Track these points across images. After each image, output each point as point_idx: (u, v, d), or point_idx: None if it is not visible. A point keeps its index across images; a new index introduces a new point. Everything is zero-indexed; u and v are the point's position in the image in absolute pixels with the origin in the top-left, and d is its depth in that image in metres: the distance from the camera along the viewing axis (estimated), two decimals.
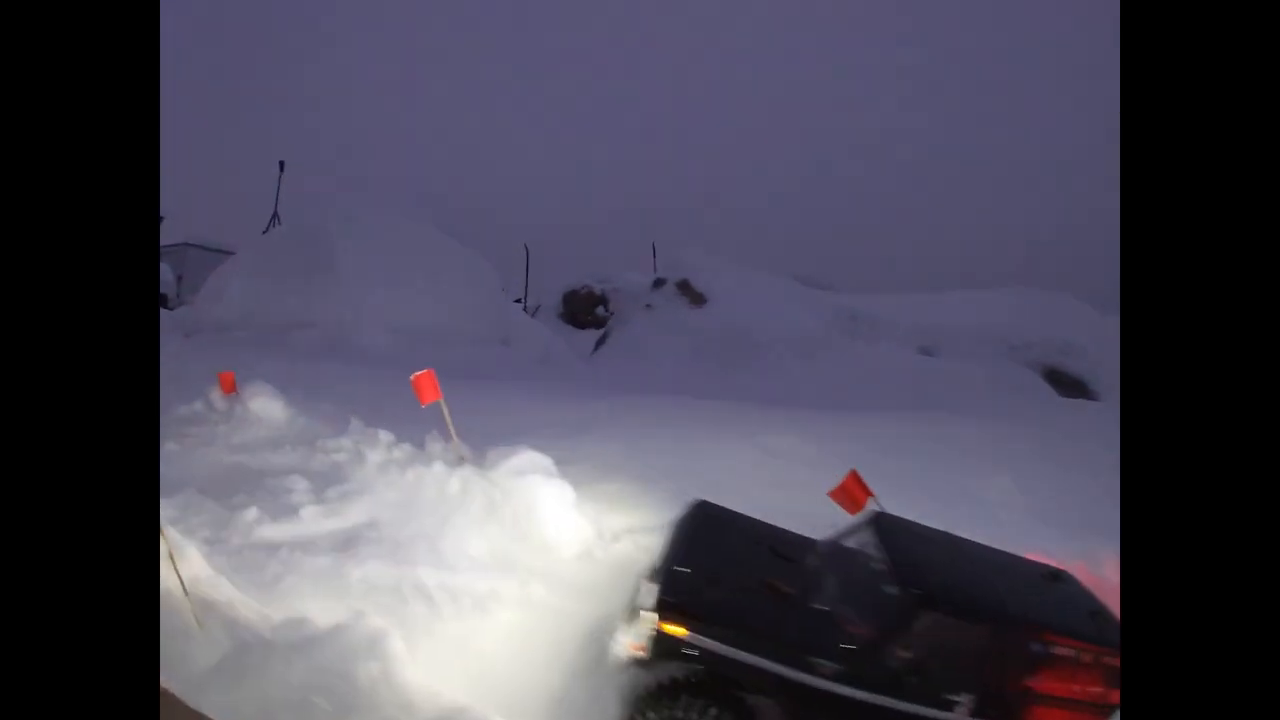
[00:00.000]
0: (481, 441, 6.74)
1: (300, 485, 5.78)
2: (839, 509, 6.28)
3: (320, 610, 4.23)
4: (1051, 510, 7.22)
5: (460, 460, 6.39)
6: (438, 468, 6.17)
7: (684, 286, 17.13)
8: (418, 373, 6.43)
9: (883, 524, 4.74)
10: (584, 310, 20.11)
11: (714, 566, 4.20)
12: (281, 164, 23.63)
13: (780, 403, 13.18)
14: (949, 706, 3.62)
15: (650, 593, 3.81)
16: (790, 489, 7.25)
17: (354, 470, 6.22)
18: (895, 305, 18.03)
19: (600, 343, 17.68)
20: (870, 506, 6.04)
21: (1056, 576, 4.45)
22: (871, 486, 6.32)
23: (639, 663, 3.74)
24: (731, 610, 3.79)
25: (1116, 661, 3.60)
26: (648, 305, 17.13)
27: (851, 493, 6.01)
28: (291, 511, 5.34)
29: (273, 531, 5.08)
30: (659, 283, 17.61)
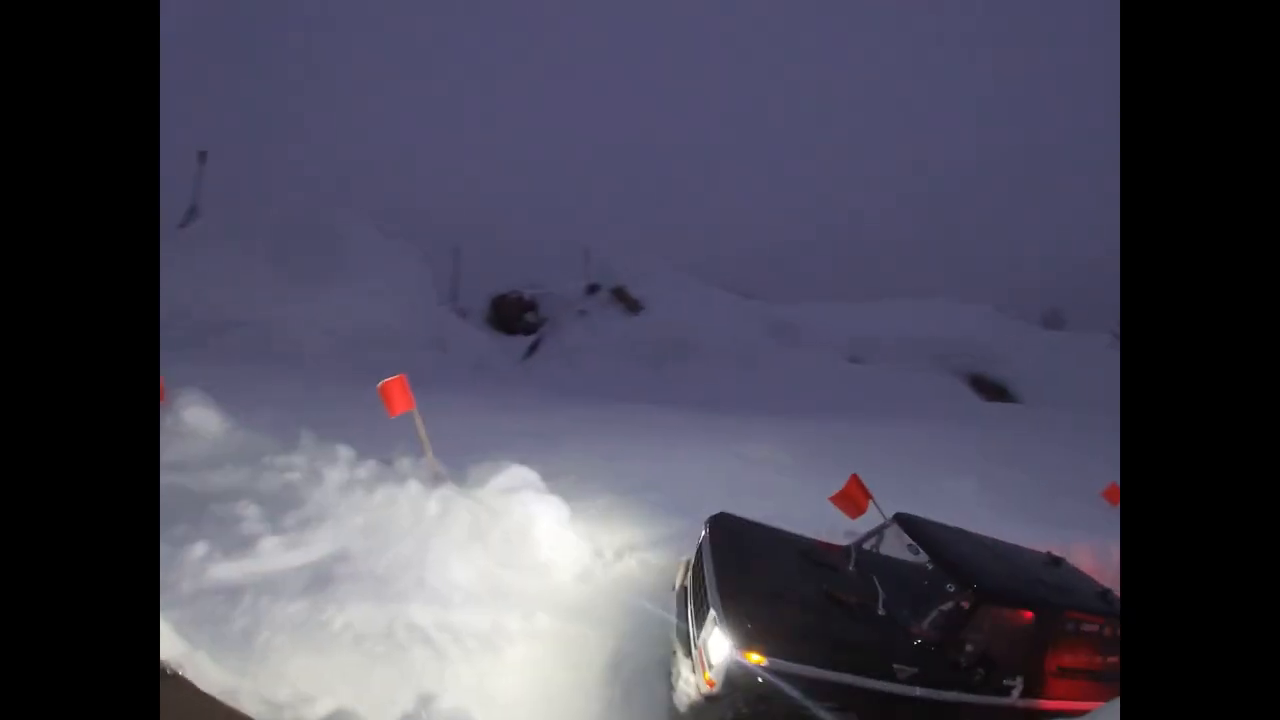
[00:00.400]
0: (451, 456, 6.14)
1: (251, 512, 4.92)
2: (832, 513, 6.33)
3: (304, 670, 3.58)
4: (1011, 505, 7.60)
5: (436, 478, 5.75)
6: (412, 487, 5.50)
7: (619, 293, 16.94)
8: (387, 379, 5.74)
9: (911, 524, 4.80)
10: (513, 316, 19.31)
11: (767, 584, 4.00)
12: (202, 154, 20.70)
13: (721, 409, 13.31)
14: (1007, 692, 3.75)
15: (722, 621, 3.49)
16: (778, 496, 7.24)
17: (311, 492, 5.41)
18: (824, 314, 18.81)
19: (533, 349, 17.10)
20: (870, 510, 6.11)
21: (1057, 562, 4.74)
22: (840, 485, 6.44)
23: (709, 698, 3.40)
24: (806, 628, 3.63)
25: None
26: (582, 311, 16.77)
27: (853, 497, 6.07)
28: (246, 545, 4.51)
29: (228, 571, 4.26)
30: (593, 289, 17.31)
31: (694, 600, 4.05)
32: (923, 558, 4.50)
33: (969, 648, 3.73)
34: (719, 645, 3.41)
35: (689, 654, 3.75)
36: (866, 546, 5.05)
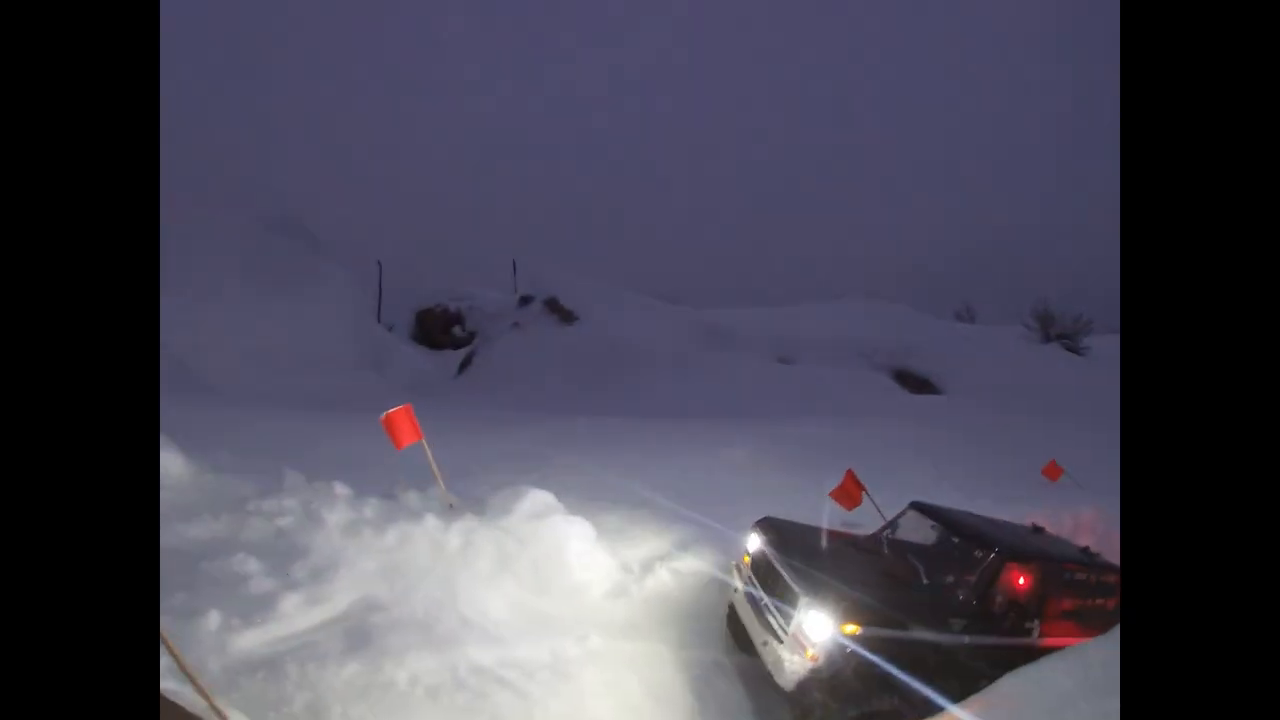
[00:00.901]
0: (451, 485, 5.81)
1: (252, 567, 4.39)
2: (829, 507, 6.70)
3: None
4: (969, 488, 8.32)
5: (451, 510, 5.41)
6: (429, 522, 5.15)
7: (552, 304, 16.68)
8: (391, 410, 5.36)
9: (927, 509, 5.46)
10: (439, 330, 18.36)
11: (836, 570, 4.35)
12: None
13: (674, 415, 13.48)
14: (1029, 633, 4.47)
15: (824, 603, 3.99)
16: (774, 495, 7.49)
17: (311, 537, 4.90)
18: (751, 318, 19.52)
19: (465, 364, 16.39)
20: (865, 500, 6.55)
21: (1039, 530, 5.54)
22: (830, 484, 6.87)
23: (814, 671, 3.92)
24: (880, 601, 4.11)
25: (1112, 578, 4.83)
26: (515, 324, 16.34)
27: (850, 491, 6.49)
28: (264, 607, 4.01)
29: (255, 640, 3.77)
30: (525, 300, 16.92)
31: (772, 594, 4.41)
32: (934, 539, 5.16)
33: (998, 599, 4.41)
34: (819, 625, 3.91)
35: (781, 640, 4.14)
36: (887, 534, 5.55)
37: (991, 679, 3.37)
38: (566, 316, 16.46)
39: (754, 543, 5.03)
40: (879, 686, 3.82)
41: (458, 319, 18.85)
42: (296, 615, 4.10)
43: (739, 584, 4.94)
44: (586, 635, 4.69)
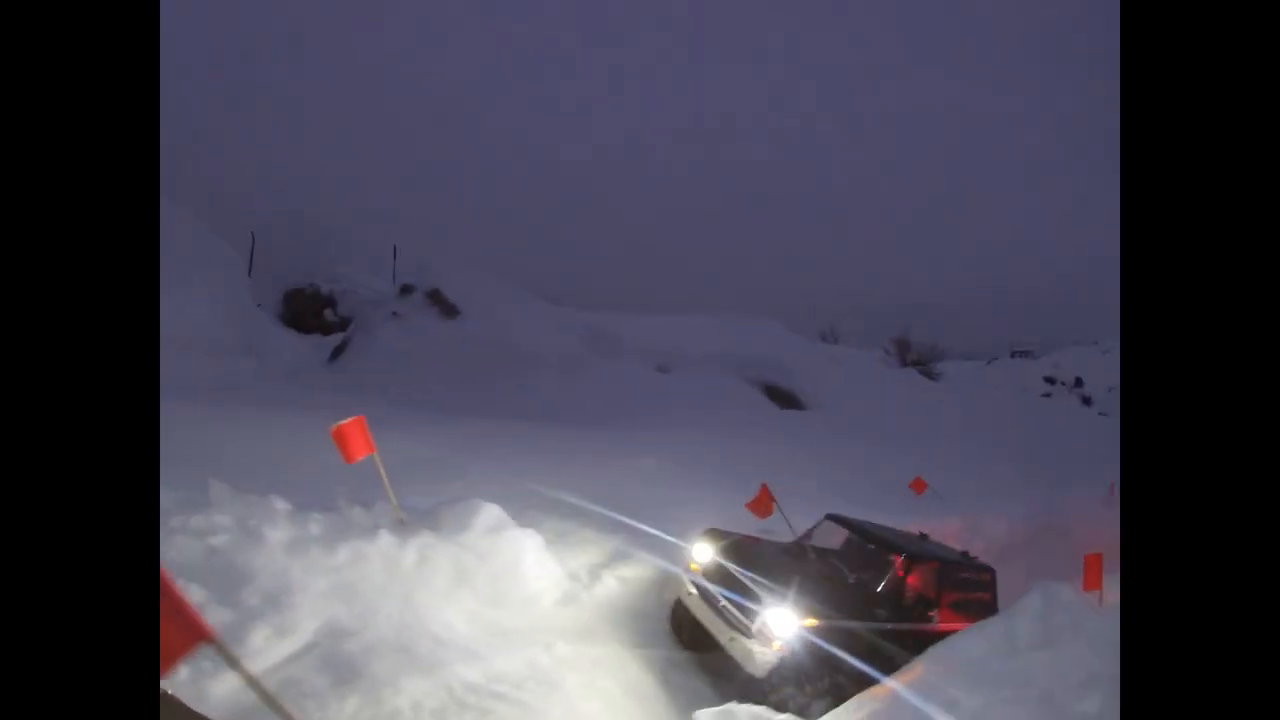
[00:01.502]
0: (361, 494, 5.64)
1: (196, 594, 4.02)
2: (744, 516, 7.48)
3: None
4: (851, 499, 9.51)
5: (401, 524, 5.29)
6: (384, 539, 5.04)
7: (435, 296, 16.02)
8: (342, 422, 5.11)
9: (841, 520, 6.48)
10: (308, 312, 16.65)
11: (786, 574, 5.07)
12: None
13: (547, 418, 13.69)
14: (931, 620, 5.55)
15: (786, 603, 4.71)
16: (692, 505, 7.99)
17: (251, 557, 4.55)
18: (632, 325, 20.10)
19: (339, 351, 15.17)
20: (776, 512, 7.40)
21: (924, 536, 6.72)
22: (733, 494, 7.72)
23: (783, 659, 4.62)
24: (826, 598, 4.98)
25: (986, 576, 6.12)
26: (394, 313, 15.46)
27: (763, 502, 7.31)
28: (229, 641, 3.73)
29: (230, 683, 3.49)
30: (406, 289, 16.04)
31: (732, 594, 5.04)
32: (846, 545, 6.33)
33: (907, 593, 5.51)
34: (784, 621, 4.64)
35: (749, 635, 4.78)
36: (808, 541, 6.46)
37: (909, 658, 4.28)
38: (450, 310, 15.87)
39: (703, 550, 5.61)
40: (830, 668, 4.63)
41: (330, 302, 17.27)
42: (268, 648, 3.90)
43: (691, 588, 5.47)
44: (551, 643, 4.95)
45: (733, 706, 4.06)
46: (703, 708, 4.72)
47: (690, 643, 5.55)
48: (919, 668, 3.94)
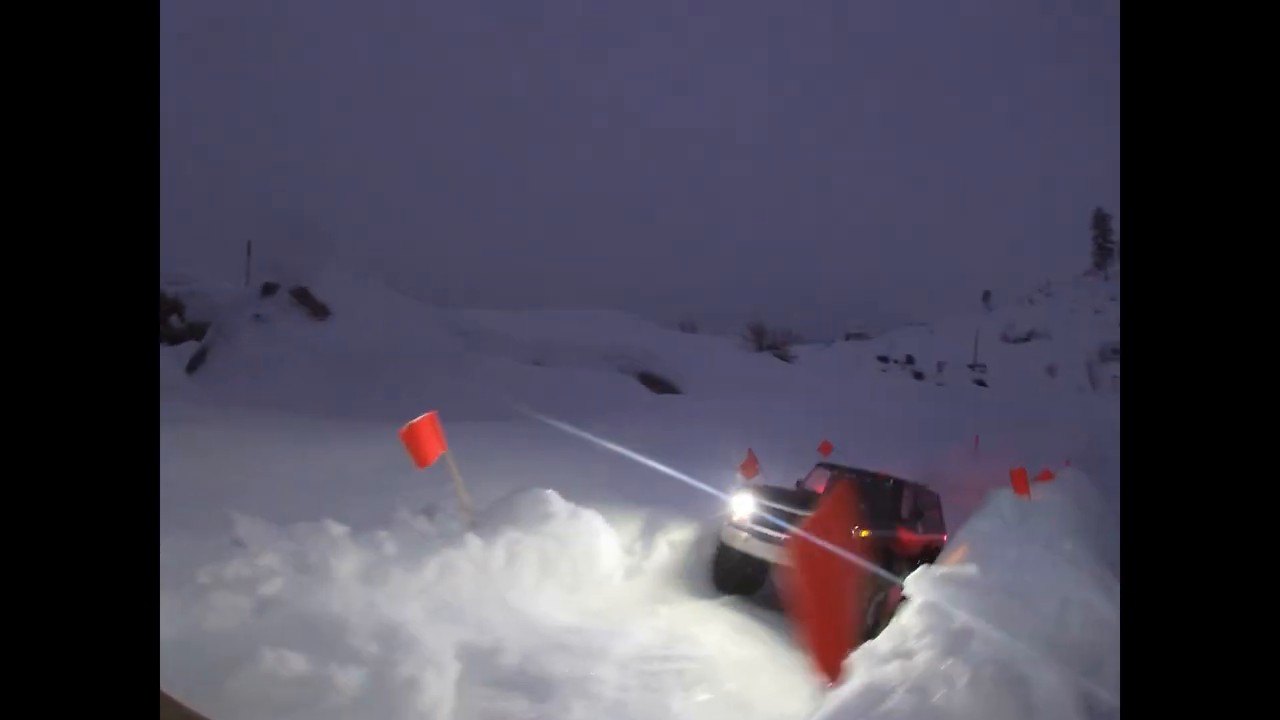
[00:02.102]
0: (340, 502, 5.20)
1: (297, 664, 3.16)
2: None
3: None
4: (780, 463, 10.39)
5: (473, 524, 4.98)
6: (473, 543, 4.66)
7: (302, 295, 14.13)
8: (413, 421, 4.68)
9: (828, 465, 7.63)
10: None
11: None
12: None
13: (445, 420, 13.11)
14: (918, 526, 6.75)
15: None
16: (656, 479, 8.27)
17: (323, 599, 3.70)
18: (504, 321, 19.58)
19: (198, 360, 12.64)
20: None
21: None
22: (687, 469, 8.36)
23: None
24: (864, 515, 5.58)
25: (933, 498, 7.44)
26: (256, 316, 13.36)
27: (751, 465, 8.07)
28: (390, 705, 3.17)
29: None
30: (269, 289, 13.87)
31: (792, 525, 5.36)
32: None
33: (904, 508, 6.59)
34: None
35: None
36: (809, 483, 7.42)
37: (919, 550, 5.45)
38: (318, 310, 14.03)
39: (742, 502, 6.08)
40: (881, 564, 5.37)
41: (176, 307, 14.07)
42: (433, 695, 3.27)
43: (740, 534, 5.93)
44: (653, 611, 5.04)
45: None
46: (783, 632, 5.15)
47: (736, 587, 6.00)
48: (963, 545, 4.92)
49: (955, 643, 2.50)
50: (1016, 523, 5.51)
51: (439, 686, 3.36)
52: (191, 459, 6.67)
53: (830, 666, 2.28)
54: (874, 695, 2.39)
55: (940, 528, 7.22)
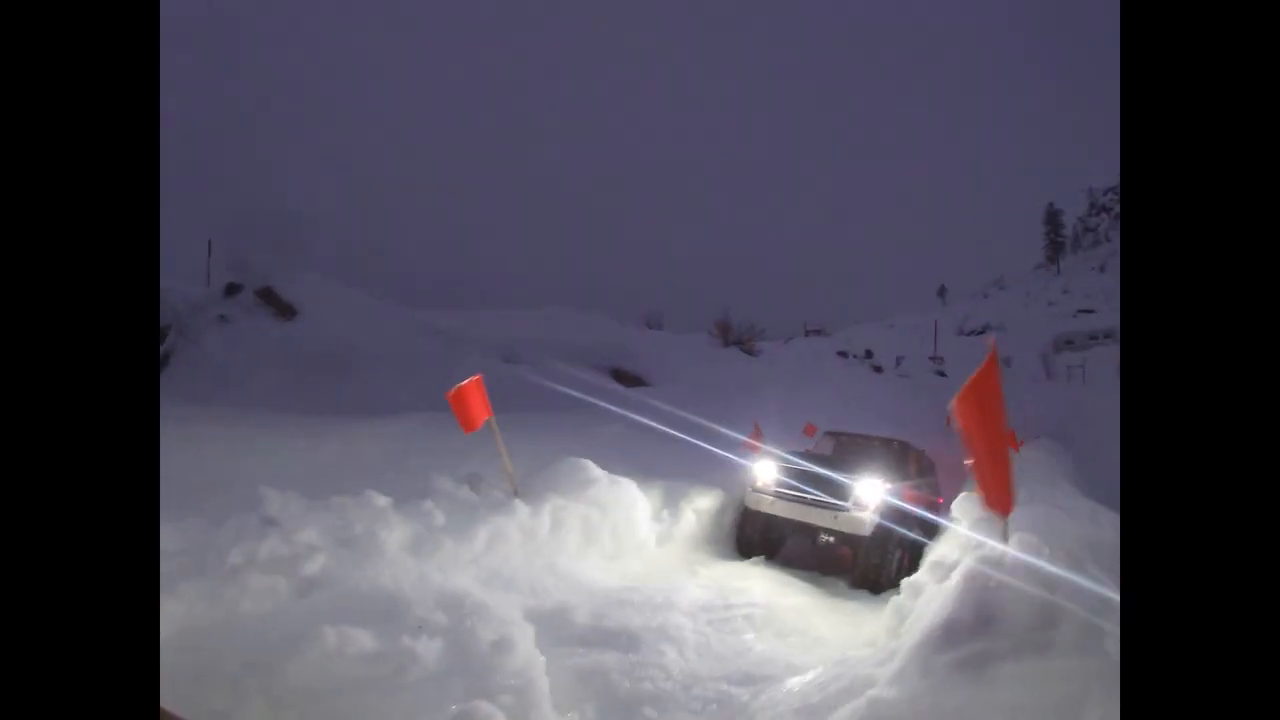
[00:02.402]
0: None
1: (365, 641, 3.06)
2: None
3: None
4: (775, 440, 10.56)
5: (515, 493, 4.91)
6: (521, 510, 4.60)
7: (268, 295, 13.52)
8: (460, 384, 4.60)
9: (836, 433, 7.87)
10: None
11: (838, 466, 6.22)
12: None
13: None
14: (923, 484, 6.91)
15: (867, 478, 5.77)
16: (657, 455, 8.37)
17: (372, 572, 3.59)
18: (472, 321, 19.22)
19: (162, 363, 11.89)
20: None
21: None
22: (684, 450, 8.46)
23: (873, 524, 5.68)
24: (882, 473, 6.08)
25: (931, 461, 7.63)
26: (221, 316, 12.72)
27: (757, 437, 8.16)
28: (479, 672, 3.10)
29: None
30: (233, 289, 13.21)
31: (818, 489, 5.79)
32: (851, 446, 7.57)
33: (911, 466, 6.79)
34: (874, 488, 5.64)
35: (847, 510, 5.64)
36: (819, 449, 7.63)
37: (929, 506, 5.69)
38: (284, 310, 13.42)
39: (765, 469, 6.14)
40: (902, 516, 5.68)
41: None
42: (536, 658, 3.21)
43: (766, 498, 5.98)
44: (693, 572, 5.09)
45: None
46: (817, 584, 5.37)
47: (761, 549, 6.07)
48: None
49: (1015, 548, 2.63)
50: (1018, 470, 6.01)
51: (525, 646, 3.29)
52: (173, 454, 6.33)
53: (1001, 503, 2.44)
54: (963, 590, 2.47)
55: (937, 491, 7.49)
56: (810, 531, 5.86)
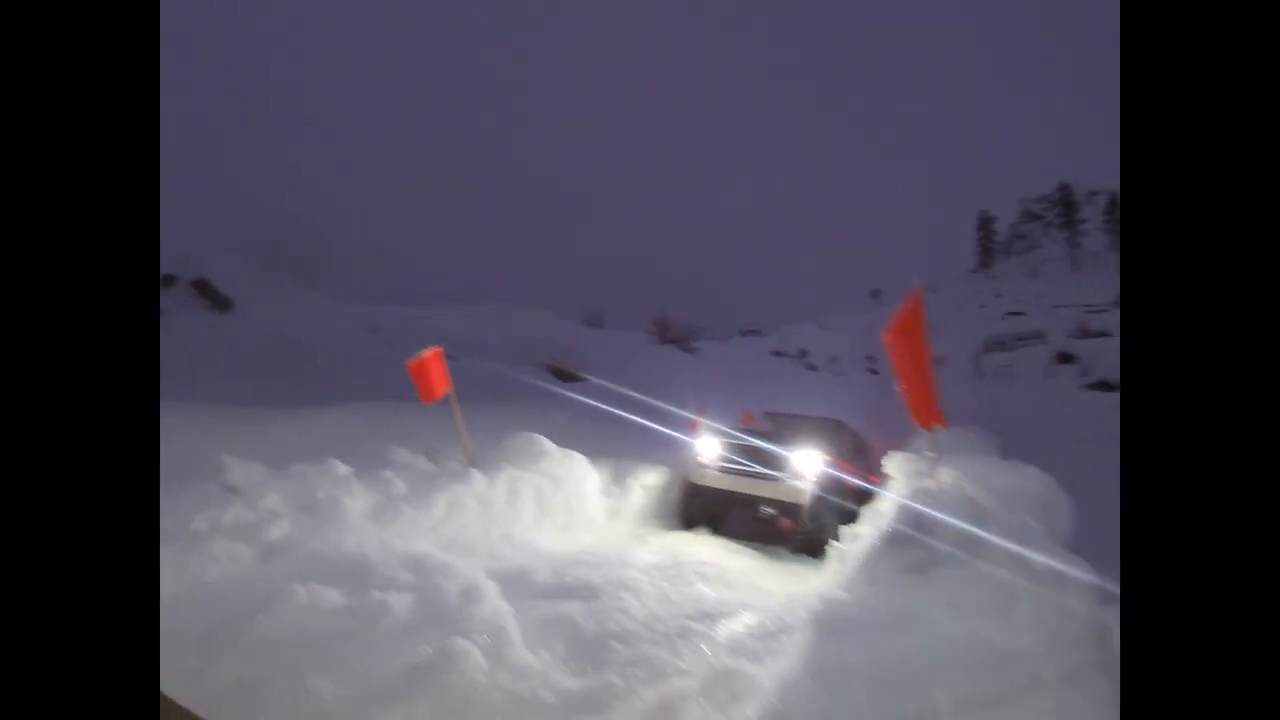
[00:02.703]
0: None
1: (332, 597, 3.24)
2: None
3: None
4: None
5: (472, 463, 4.99)
6: (478, 479, 4.70)
7: (203, 287, 12.90)
8: (422, 354, 4.65)
9: (774, 413, 8.25)
10: None
11: (778, 438, 6.52)
12: None
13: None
14: (859, 463, 7.20)
15: (805, 449, 6.15)
16: (603, 439, 8.55)
17: (335, 539, 3.66)
18: (411, 317, 18.80)
19: None
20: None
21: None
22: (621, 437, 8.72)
23: (812, 492, 5.93)
24: (819, 445, 6.38)
25: (857, 435, 8.00)
26: None
27: (696, 425, 8.43)
28: (449, 622, 3.27)
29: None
30: (167, 281, 12.52)
31: (758, 462, 6.10)
32: (790, 424, 7.83)
33: (845, 443, 7.19)
34: (811, 458, 6.00)
35: (788, 479, 5.97)
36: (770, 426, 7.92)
37: (862, 476, 5.99)
38: (222, 303, 12.81)
39: (707, 444, 6.43)
40: (839, 487, 6.05)
41: None
42: (504, 608, 3.36)
43: (710, 472, 6.27)
44: (644, 541, 5.32)
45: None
46: (762, 551, 5.68)
47: (706, 522, 6.34)
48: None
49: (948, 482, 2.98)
50: (947, 442, 6.41)
51: (493, 596, 3.44)
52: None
53: (930, 417, 2.67)
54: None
55: (875, 470, 7.95)
56: (752, 503, 6.11)
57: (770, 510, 6.08)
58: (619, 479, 6.34)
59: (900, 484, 3.76)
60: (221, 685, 2.58)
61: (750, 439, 6.33)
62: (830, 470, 6.07)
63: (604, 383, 16.55)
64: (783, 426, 7.88)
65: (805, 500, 5.91)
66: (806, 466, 5.99)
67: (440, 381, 4.61)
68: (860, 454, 7.65)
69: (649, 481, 6.41)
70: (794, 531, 6.12)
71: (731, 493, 6.19)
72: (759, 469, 6.08)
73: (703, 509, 6.41)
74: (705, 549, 5.26)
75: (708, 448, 6.47)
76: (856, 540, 3.94)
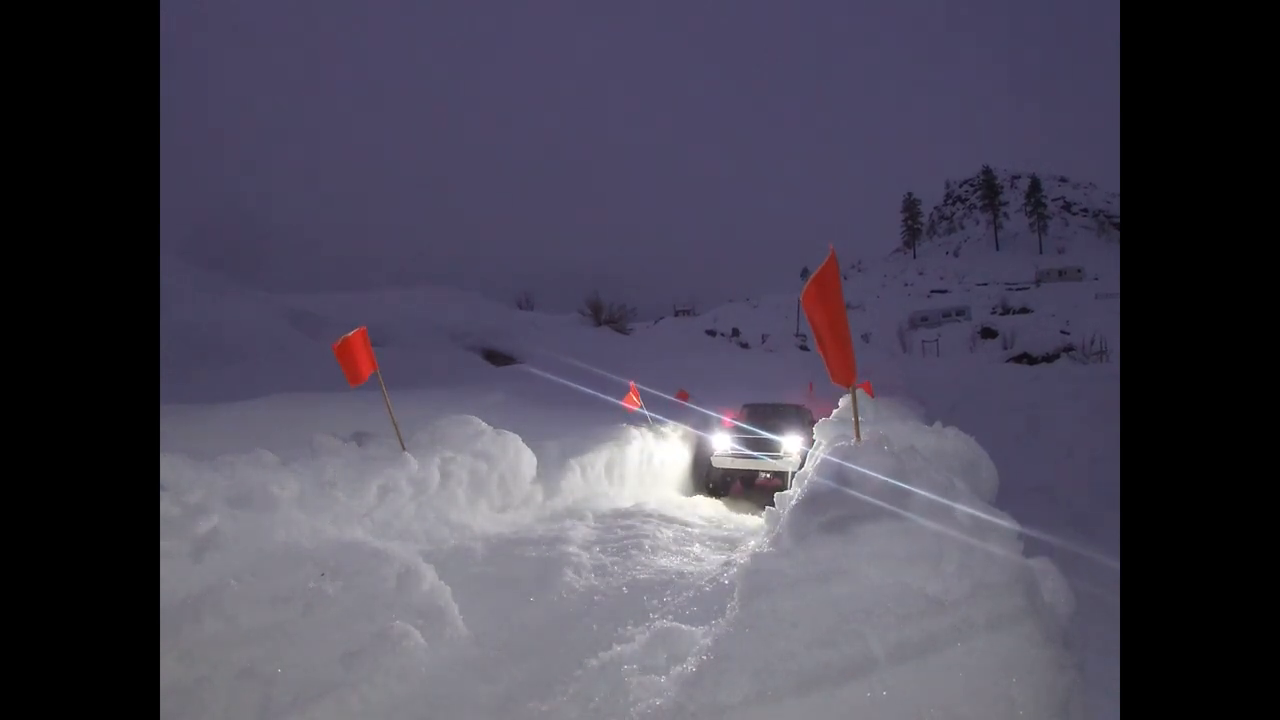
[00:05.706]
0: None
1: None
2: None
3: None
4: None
5: (403, 447, 4.82)
6: (411, 462, 4.53)
7: None
8: (346, 335, 4.43)
9: (753, 404, 9.76)
10: None
11: (768, 427, 8.75)
12: None
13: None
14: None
15: (790, 435, 8.45)
16: (547, 421, 8.50)
17: (266, 531, 3.47)
18: (336, 304, 17.86)
19: None
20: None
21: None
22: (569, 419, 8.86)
23: (797, 468, 6.95)
24: (797, 432, 8.60)
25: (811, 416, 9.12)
26: None
27: (632, 397, 8.51)
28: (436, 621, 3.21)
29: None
30: None
31: (758, 450, 8.27)
32: (764, 413, 9.65)
33: (807, 428, 8.39)
34: (794, 441, 8.21)
35: (781, 457, 8.12)
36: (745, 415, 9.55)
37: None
38: None
39: (721, 440, 8.60)
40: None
41: None
42: (442, 586, 3.36)
43: (727, 460, 8.34)
44: (582, 516, 5.30)
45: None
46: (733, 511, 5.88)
47: (716, 490, 8.51)
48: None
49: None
50: (872, 410, 6.72)
51: (430, 578, 3.38)
52: None
53: (847, 375, 2.79)
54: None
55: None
56: (754, 475, 8.72)
57: (767, 474, 8.57)
58: (560, 459, 6.32)
59: (826, 446, 3.94)
60: (160, 690, 2.43)
61: (753, 429, 8.52)
62: (805, 448, 7.45)
63: (536, 371, 16.43)
64: (763, 414, 9.72)
65: (790, 469, 7.68)
66: (792, 446, 8.19)
67: (366, 362, 4.42)
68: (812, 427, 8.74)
69: (587, 460, 6.42)
70: (780, 489, 6.94)
71: (740, 470, 8.52)
72: (760, 454, 8.24)
73: (721, 481, 8.64)
74: (641, 523, 5.30)
75: (721, 442, 8.57)
76: (787, 502, 4.10)
